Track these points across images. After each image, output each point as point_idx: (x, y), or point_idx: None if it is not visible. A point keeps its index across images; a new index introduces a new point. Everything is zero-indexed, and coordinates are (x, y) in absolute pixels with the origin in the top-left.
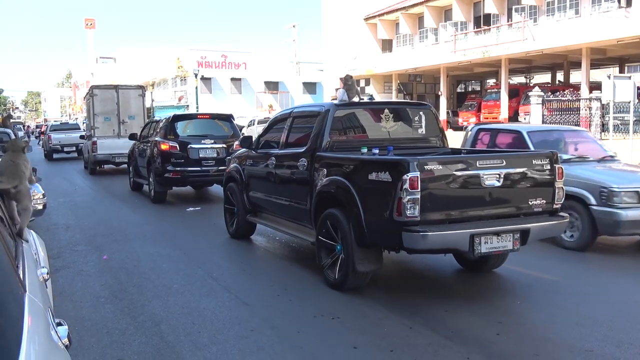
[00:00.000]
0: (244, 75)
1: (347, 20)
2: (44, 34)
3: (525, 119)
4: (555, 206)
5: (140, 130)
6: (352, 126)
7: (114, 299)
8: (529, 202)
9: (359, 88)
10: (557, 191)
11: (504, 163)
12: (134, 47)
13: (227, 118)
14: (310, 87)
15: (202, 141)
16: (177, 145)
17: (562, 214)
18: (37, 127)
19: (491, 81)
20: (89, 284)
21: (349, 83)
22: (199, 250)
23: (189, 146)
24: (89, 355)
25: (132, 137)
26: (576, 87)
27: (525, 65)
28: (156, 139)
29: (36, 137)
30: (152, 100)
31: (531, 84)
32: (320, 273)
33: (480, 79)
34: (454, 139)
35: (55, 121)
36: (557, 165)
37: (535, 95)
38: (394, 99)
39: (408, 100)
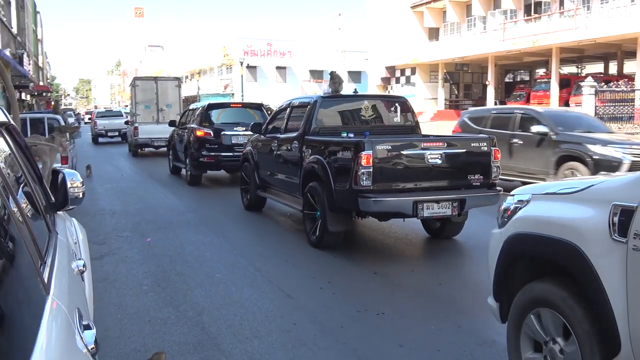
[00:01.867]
0: (288, 64)
1: (393, 9)
2: (95, 23)
3: None
4: (492, 181)
5: (178, 117)
6: (336, 115)
7: (157, 287)
8: (468, 177)
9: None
10: (493, 169)
11: (445, 145)
12: (181, 35)
13: (258, 107)
14: (355, 76)
15: (234, 128)
16: (212, 132)
17: (498, 187)
18: (86, 113)
19: (541, 71)
20: (133, 271)
21: (335, 80)
22: (241, 238)
23: (222, 133)
24: (130, 345)
25: (171, 123)
26: (630, 78)
27: (577, 54)
28: (192, 126)
29: (86, 123)
30: (198, 89)
31: (583, 74)
32: (365, 267)
33: (530, 68)
34: None
35: (100, 108)
36: (493, 148)
37: (588, 85)
38: (441, 87)
39: (385, 94)
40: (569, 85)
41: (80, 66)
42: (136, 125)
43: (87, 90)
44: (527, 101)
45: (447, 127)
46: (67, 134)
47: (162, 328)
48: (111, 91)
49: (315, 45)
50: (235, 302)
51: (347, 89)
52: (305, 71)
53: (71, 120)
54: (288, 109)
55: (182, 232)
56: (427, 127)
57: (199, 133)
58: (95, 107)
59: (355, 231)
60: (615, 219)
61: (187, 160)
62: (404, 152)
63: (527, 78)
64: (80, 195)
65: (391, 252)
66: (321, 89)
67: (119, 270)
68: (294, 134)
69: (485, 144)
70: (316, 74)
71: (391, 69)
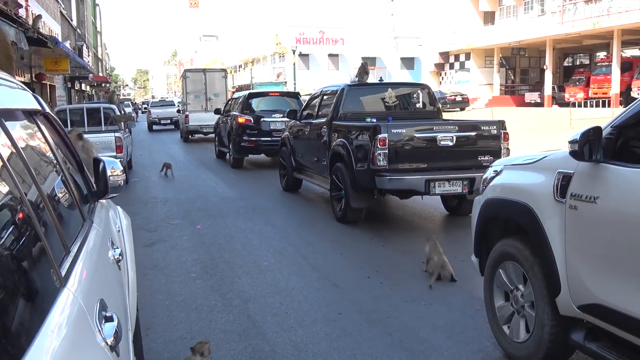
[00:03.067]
0: (341, 51)
1: None
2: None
3: (638, 94)
4: None
5: (223, 106)
6: (362, 101)
7: (205, 275)
8: (479, 158)
9: (369, 73)
10: (503, 150)
11: (457, 128)
12: (235, 24)
13: (295, 95)
14: (408, 63)
15: (273, 115)
16: (252, 119)
17: None
18: (143, 103)
19: (601, 54)
20: (182, 258)
21: (361, 70)
22: (290, 227)
23: (261, 120)
24: (177, 332)
25: (217, 111)
26: None
27: None
28: (235, 113)
29: (142, 112)
30: (252, 78)
31: None
32: (412, 257)
33: (590, 51)
34: (559, 116)
35: (156, 98)
36: (503, 131)
37: None
38: (497, 72)
39: (408, 82)
40: (631, 68)
41: (138, 57)
42: (187, 113)
43: (144, 81)
44: (587, 85)
45: (502, 114)
46: (122, 123)
47: (209, 315)
48: (167, 81)
49: (367, 32)
50: (281, 291)
51: (372, 78)
52: (358, 58)
53: (128, 110)
54: (320, 97)
55: (232, 220)
56: (482, 113)
57: (240, 120)
58: (152, 97)
59: (404, 219)
60: (558, 184)
61: (230, 145)
62: (417, 135)
63: (586, 62)
64: (121, 184)
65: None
66: (349, 78)
67: (169, 257)
68: (324, 120)
69: (495, 127)
70: (369, 61)
71: (445, 55)
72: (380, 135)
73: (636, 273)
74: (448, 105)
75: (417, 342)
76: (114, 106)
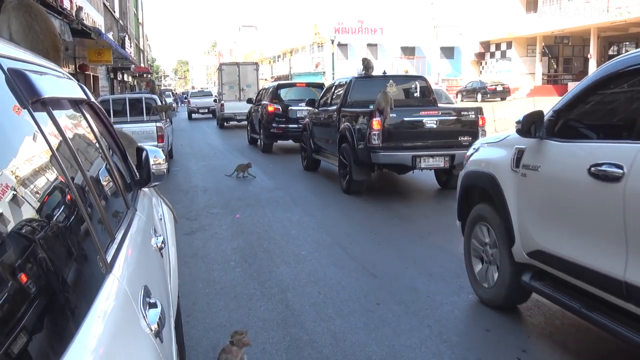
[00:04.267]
0: (380, 41)
1: None
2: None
3: None
4: None
5: (255, 96)
6: (367, 91)
7: (244, 263)
8: (459, 138)
9: (373, 67)
10: (479, 132)
11: (439, 113)
12: (273, 15)
13: (320, 86)
14: (448, 52)
15: (299, 104)
16: (280, 108)
17: None
18: (183, 93)
19: None
20: (222, 247)
21: (365, 65)
22: (328, 217)
23: (289, 108)
24: (217, 319)
25: (249, 101)
26: None
27: None
28: (265, 102)
29: (182, 103)
30: (290, 68)
31: None
32: (454, 249)
33: (636, 40)
34: None
35: (196, 89)
36: (480, 116)
37: None
38: (539, 62)
39: (407, 74)
40: None
41: (178, 48)
42: (222, 102)
43: (184, 72)
44: None
45: (543, 104)
46: (163, 112)
47: (247, 304)
48: (207, 72)
49: (406, 21)
50: (319, 281)
51: (377, 71)
52: (397, 48)
53: (169, 100)
54: (334, 87)
55: (270, 209)
56: (523, 103)
57: (270, 109)
58: (192, 88)
59: (442, 213)
60: (515, 157)
61: (261, 132)
62: (407, 119)
63: (633, 50)
64: (164, 172)
65: None
66: (357, 72)
67: (209, 245)
68: (334, 107)
69: (473, 112)
70: (407, 51)
71: (485, 44)
72: (374, 119)
73: (562, 223)
74: (488, 95)
75: (456, 335)
76: (155, 96)
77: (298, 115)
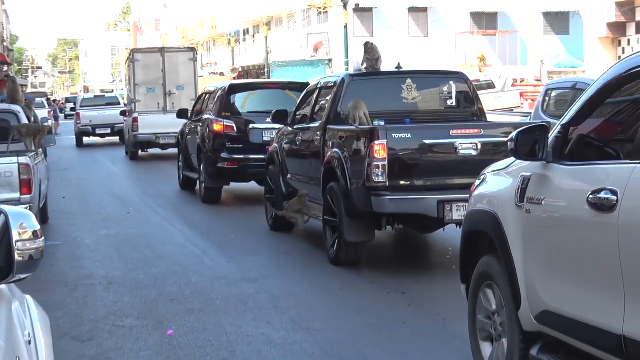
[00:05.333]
0: (433, 3)
1: None
2: None
3: None
4: None
5: (192, 105)
6: (370, 98)
7: None
8: None
9: (381, 55)
10: None
11: (482, 132)
12: None
13: (302, 88)
14: (559, 22)
15: (268, 119)
16: (234, 125)
17: None
18: (67, 100)
19: None
20: None
21: (369, 52)
22: (339, 333)
23: (250, 126)
24: None
25: (181, 114)
26: None
27: None
28: (208, 116)
29: (67, 117)
30: (268, 51)
31: None
32: None
33: None
34: None
35: (91, 92)
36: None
37: None
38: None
39: (437, 70)
40: None
41: (60, 20)
42: (135, 115)
43: (71, 60)
44: None
45: None
46: (31, 138)
47: None
48: (113, 60)
49: None
50: None
51: (389, 64)
52: (464, 15)
53: (42, 114)
54: (316, 92)
55: (231, 318)
56: None
57: (216, 127)
58: (84, 90)
59: None
60: (519, 187)
61: (201, 167)
62: (428, 142)
63: None
64: (39, 255)
65: None
66: (352, 65)
67: None
68: (317, 124)
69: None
70: (484, 20)
71: (628, 9)
72: (377, 142)
73: (567, 272)
74: None
75: None
76: (16, 107)
77: (266, 139)
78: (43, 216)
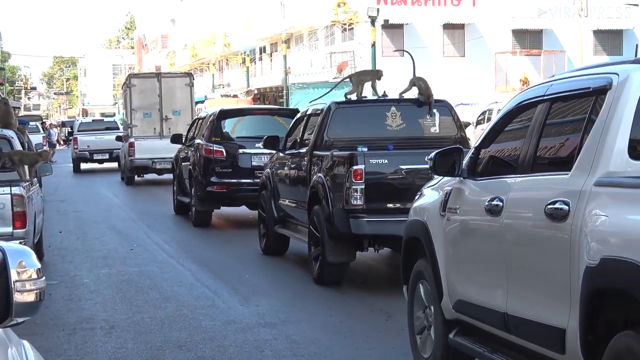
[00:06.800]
0: (470, 19)
1: None
2: None
3: None
4: None
5: (186, 130)
6: (355, 125)
7: None
8: None
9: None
10: None
11: None
12: None
13: (292, 114)
14: (611, 41)
15: (257, 145)
16: (224, 151)
17: None
18: (64, 124)
19: None
20: None
21: (359, 79)
22: None
23: (239, 151)
24: None
25: (175, 139)
26: None
27: None
28: (198, 141)
29: (65, 142)
30: (287, 72)
31: None
32: None
33: None
34: None
35: (89, 116)
36: None
37: None
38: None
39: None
40: None
41: (57, 36)
42: (131, 140)
43: (68, 80)
44: None
45: None
46: (25, 167)
47: None
48: (115, 80)
49: None
50: None
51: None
52: (505, 32)
53: (36, 139)
54: (305, 119)
55: None
56: None
57: (206, 152)
58: (82, 113)
59: None
60: (443, 199)
61: (192, 191)
62: (404, 167)
63: None
64: (34, 297)
65: None
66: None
67: None
68: (304, 150)
69: None
70: (526, 38)
71: None
72: (355, 167)
73: (471, 266)
74: None
75: None
76: (9, 132)
77: (254, 164)
78: (38, 252)
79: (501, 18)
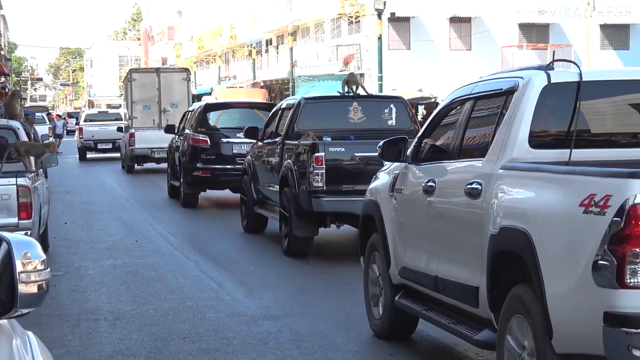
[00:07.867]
0: (477, 13)
1: None
2: None
3: None
4: None
5: (179, 122)
6: (321, 118)
7: None
8: None
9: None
10: None
11: None
12: None
13: (268, 107)
14: (618, 36)
15: (238, 135)
16: (208, 139)
17: None
18: (69, 116)
19: None
20: None
21: (350, 82)
22: None
23: (222, 140)
24: None
25: (168, 129)
26: None
27: None
28: (186, 132)
29: (68, 133)
30: (293, 64)
31: None
32: None
33: None
34: None
35: (95, 107)
36: None
37: None
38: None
39: (380, 94)
40: None
41: (63, 27)
42: (132, 131)
43: (74, 71)
44: None
45: None
46: (31, 157)
47: None
48: (121, 72)
49: None
50: None
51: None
52: (512, 26)
53: (42, 130)
54: (280, 112)
55: (249, 359)
56: None
57: (193, 141)
58: (88, 104)
59: None
60: (392, 181)
61: (181, 176)
62: (359, 154)
63: None
64: (38, 289)
65: None
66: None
67: None
68: (278, 139)
69: None
70: (533, 32)
71: None
72: (316, 154)
73: (413, 240)
74: None
75: None
76: (15, 123)
77: (235, 151)
78: (43, 243)
79: (508, 12)
